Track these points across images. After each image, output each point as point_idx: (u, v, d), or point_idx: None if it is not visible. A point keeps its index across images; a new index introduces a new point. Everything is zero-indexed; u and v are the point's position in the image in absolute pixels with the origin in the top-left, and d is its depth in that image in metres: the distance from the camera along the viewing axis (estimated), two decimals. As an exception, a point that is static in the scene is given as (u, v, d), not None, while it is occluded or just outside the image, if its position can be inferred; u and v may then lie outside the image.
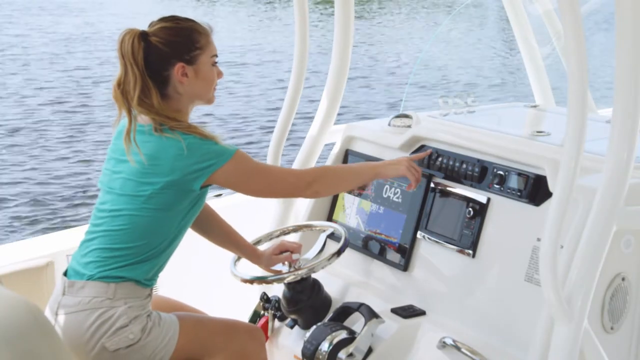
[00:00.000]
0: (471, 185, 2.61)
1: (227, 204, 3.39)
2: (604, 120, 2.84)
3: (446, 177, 2.70)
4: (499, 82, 13.87)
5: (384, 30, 20.42)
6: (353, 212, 3.00)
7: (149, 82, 2.31)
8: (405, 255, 2.76)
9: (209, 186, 2.36)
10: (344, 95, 3.31)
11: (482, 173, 2.58)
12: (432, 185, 2.73)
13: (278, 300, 2.83)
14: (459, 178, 2.65)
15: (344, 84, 3.25)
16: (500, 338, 2.41)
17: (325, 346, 2.46)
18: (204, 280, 3.23)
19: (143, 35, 2.33)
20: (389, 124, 2.99)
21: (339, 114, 3.33)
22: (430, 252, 2.70)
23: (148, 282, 2.35)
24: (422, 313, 2.61)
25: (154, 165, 2.27)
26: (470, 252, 2.56)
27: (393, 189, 2.86)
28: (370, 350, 2.51)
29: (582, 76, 1.94)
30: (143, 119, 2.32)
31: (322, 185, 2.49)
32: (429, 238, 2.70)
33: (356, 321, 2.61)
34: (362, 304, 2.58)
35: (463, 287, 2.57)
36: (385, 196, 2.89)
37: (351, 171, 2.65)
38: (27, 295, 1.68)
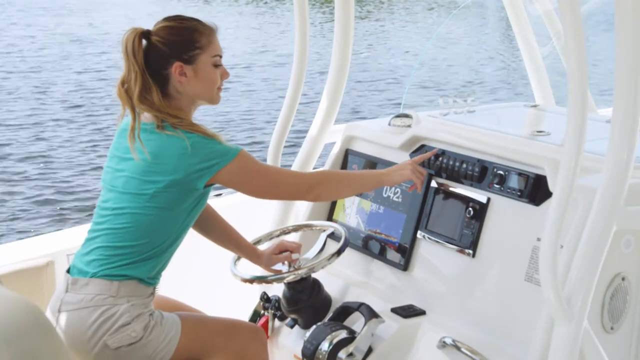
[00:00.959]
0: (471, 185, 2.61)
1: (227, 204, 3.39)
2: (604, 120, 2.84)
3: (446, 177, 2.70)
4: (500, 82, 13.88)
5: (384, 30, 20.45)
6: (353, 211, 3.00)
7: (149, 79, 2.32)
8: (405, 255, 2.76)
9: (212, 185, 2.36)
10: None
11: (482, 173, 2.58)
12: (432, 185, 2.73)
13: (278, 300, 2.83)
14: (459, 178, 2.65)
15: (344, 84, 3.25)
16: (500, 338, 2.41)
17: (325, 346, 2.46)
18: (204, 279, 3.23)
19: (145, 34, 2.34)
20: (389, 124, 2.99)
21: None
22: (430, 251, 2.70)
23: (151, 280, 2.35)
24: (422, 313, 2.61)
25: (157, 164, 2.27)
26: (470, 252, 2.56)
27: (393, 188, 2.86)
28: (370, 350, 2.51)
29: (582, 76, 1.94)
30: (146, 117, 2.33)
31: (324, 190, 2.49)
32: (429, 238, 2.70)
33: (356, 321, 2.61)
34: (362, 304, 2.58)
35: (463, 287, 2.57)
36: (385, 196, 2.89)
37: (355, 178, 2.64)
38: (27, 295, 1.68)
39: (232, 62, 14.58)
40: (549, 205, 2.07)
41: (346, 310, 2.65)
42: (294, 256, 2.78)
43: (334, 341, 2.47)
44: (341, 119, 3.53)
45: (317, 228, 2.93)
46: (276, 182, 2.42)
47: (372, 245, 2.89)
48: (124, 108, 2.34)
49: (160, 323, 2.33)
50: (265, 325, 2.87)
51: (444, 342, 2.41)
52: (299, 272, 2.62)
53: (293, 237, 3.03)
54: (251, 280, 2.63)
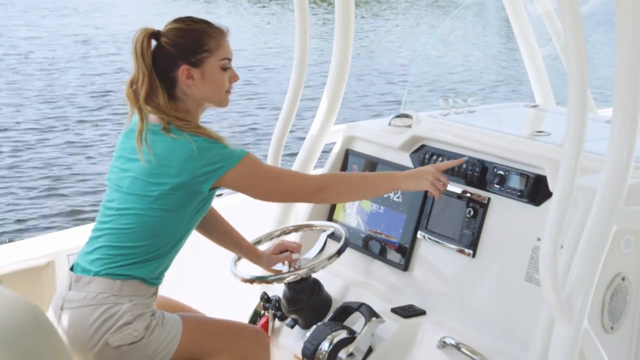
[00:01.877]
0: (471, 185, 2.61)
1: (227, 204, 3.39)
2: (604, 120, 2.84)
3: (446, 177, 2.69)
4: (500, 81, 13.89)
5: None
6: (353, 211, 3.00)
7: (156, 81, 2.32)
8: (405, 255, 2.76)
9: (218, 188, 2.35)
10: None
11: (482, 173, 2.58)
12: (432, 185, 2.73)
13: (278, 300, 2.83)
14: (459, 178, 2.65)
15: (344, 84, 3.25)
16: (500, 338, 2.41)
17: (325, 346, 2.46)
18: (204, 279, 3.23)
19: (154, 35, 2.34)
20: (389, 124, 2.98)
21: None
22: (430, 252, 2.70)
23: (154, 280, 2.36)
24: (422, 313, 2.61)
25: (163, 166, 2.27)
26: (471, 252, 2.56)
27: (393, 188, 2.86)
28: (370, 350, 2.51)
29: (582, 76, 1.94)
30: (153, 118, 2.33)
31: (331, 192, 2.45)
32: (429, 238, 2.70)
33: (356, 321, 2.61)
34: (362, 304, 2.58)
35: (463, 287, 2.57)
36: (385, 196, 2.88)
37: (366, 181, 2.56)
38: (27, 295, 1.68)
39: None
40: (549, 205, 2.07)
41: (346, 310, 2.65)
42: (294, 256, 2.78)
43: (334, 341, 2.47)
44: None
45: (318, 228, 2.93)
46: (282, 184, 2.40)
47: (372, 246, 2.89)
48: (132, 109, 2.34)
49: (161, 323, 2.33)
50: (265, 326, 2.87)
51: (444, 342, 2.41)
52: (299, 272, 2.62)
53: (293, 237, 3.03)
54: (251, 281, 2.63)
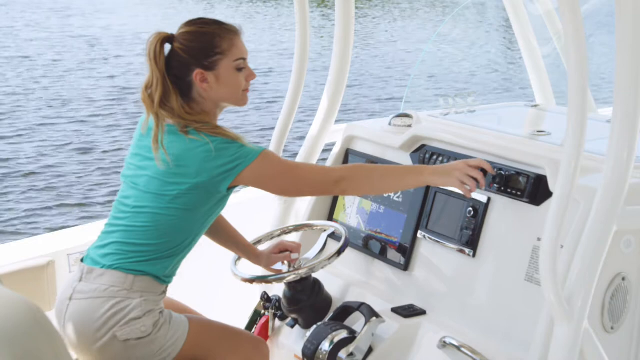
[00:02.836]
0: (471, 185, 2.61)
1: (227, 204, 3.38)
2: (604, 120, 2.84)
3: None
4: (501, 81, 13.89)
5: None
6: (353, 211, 3.00)
7: (170, 86, 2.32)
8: (405, 255, 2.76)
9: (235, 187, 2.35)
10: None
11: (482, 173, 2.57)
12: (432, 185, 2.73)
13: (278, 300, 2.84)
14: (459, 178, 2.64)
15: (344, 84, 3.25)
16: (500, 338, 2.41)
17: (325, 346, 2.46)
18: (204, 279, 3.23)
19: (168, 40, 2.34)
20: (390, 124, 2.98)
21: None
22: (430, 251, 2.70)
23: (166, 278, 2.37)
24: (422, 313, 2.61)
25: (181, 167, 2.27)
26: (471, 251, 2.56)
27: (393, 188, 2.86)
28: (370, 350, 2.51)
29: (582, 76, 1.94)
30: (169, 120, 2.33)
31: (351, 183, 2.39)
32: (429, 238, 2.70)
33: (356, 321, 2.61)
34: (362, 304, 2.59)
35: (463, 287, 2.57)
36: (385, 196, 2.88)
37: (389, 173, 2.45)
38: (27, 295, 1.68)
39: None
40: (549, 205, 2.07)
41: (347, 310, 2.65)
42: (294, 256, 2.78)
43: (335, 341, 2.47)
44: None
45: (318, 228, 2.93)
46: (300, 179, 2.38)
47: (372, 245, 2.89)
48: (148, 113, 2.34)
49: (169, 322, 2.34)
50: (265, 325, 2.87)
51: (444, 342, 2.41)
52: (300, 272, 2.62)
53: (293, 237, 3.03)
54: (251, 280, 2.63)
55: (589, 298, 2.08)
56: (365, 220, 2.95)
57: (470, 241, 2.56)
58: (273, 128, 3.29)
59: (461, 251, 2.59)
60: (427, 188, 2.73)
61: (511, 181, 2.48)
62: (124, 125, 10.89)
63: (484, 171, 2.39)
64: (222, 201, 2.37)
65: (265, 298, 2.88)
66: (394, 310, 2.62)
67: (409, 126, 2.91)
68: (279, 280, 2.64)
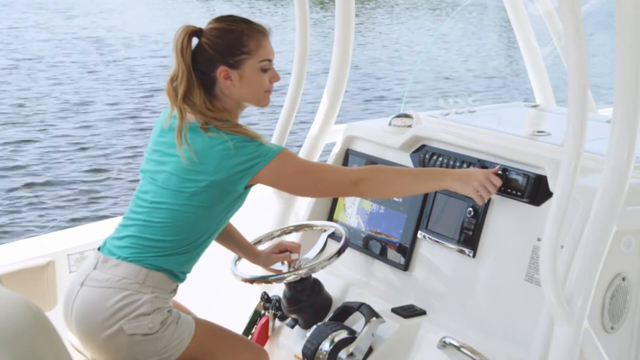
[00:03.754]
0: (471, 185, 2.61)
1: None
2: (604, 120, 2.84)
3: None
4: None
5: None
6: (353, 211, 3.00)
7: (195, 80, 2.32)
8: (405, 255, 2.76)
9: (252, 186, 2.35)
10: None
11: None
12: (432, 185, 2.72)
13: (278, 300, 2.83)
14: (459, 178, 2.64)
15: (344, 84, 3.25)
16: (500, 338, 2.41)
17: (325, 346, 2.46)
18: (204, 279, 3.23)
19: (195, 33, 2.34)
20: (390, 124, 2.98)
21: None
22: (430, 251, 2.70)
23: (179, 274, 2.38)
24: (422, 313, 2.61)
25: (199, 164, 2.27)
26: (471, 252, 2.56)
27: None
28: (370, 350, 2.51)
29: (582, 76, 1.94)
30: (191, 117, 2.33)
31: (370, 185, 2.38)
32: (429, 238, 2.70)
33: (357, 321, 2.61)
34: (362, 304, 2.58)
35: (463, 287, 2.57)
36: (385, 196, 2.88)
37: (409, 175, 2.46)
38: (27, 295, 1.68)
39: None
40: (550, 205, 2.07)
41: (347, 310, 2.65)
42: (294, 256, 2.78)
43: (335, 341, 2.47)
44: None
45: (318, 228, 2.93)
46: (319, 179, 2.37)
47: (372, 245, 2.89)
48: (172, 107, 2.34)
49: (176, 322, 2.35)
50: (265, 325, 2.87)
51: (444, 342, 2.41)
52: (300, 272, 2.62)
53: (294, 237, 3.03)
54: (251, 280, 2.63)
55: (589, 298, 2.08)
56: (365, 220, 2.95)
57: (470, 241, 2.56)
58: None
59: (461, 251, 2.59)
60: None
61: (511, 181, 2.48)
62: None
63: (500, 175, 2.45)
64: (238, 200, 2.37)
65: (265, 298, 2.88)
66: (394, 310, 2.62)
67: (409, 126, 2.91)
68: (279, 280, 2.64)
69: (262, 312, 2.90)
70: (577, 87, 1.95)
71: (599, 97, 3.93)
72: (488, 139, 2.67)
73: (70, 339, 2.48)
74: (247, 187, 2.33)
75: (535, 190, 2.42)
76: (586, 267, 2.07)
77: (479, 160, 2.60)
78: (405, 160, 2.84)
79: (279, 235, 2.97)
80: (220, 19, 2.39)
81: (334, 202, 3.09)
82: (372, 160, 2.97)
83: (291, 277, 2.62)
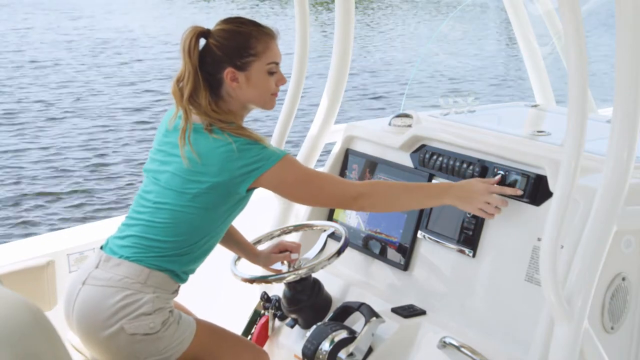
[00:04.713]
0: (471, 185, 2.61)
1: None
2: (604, 120, 2.84)
3: (447, 177, 2.69)
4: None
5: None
6: (353, 211, 3.00)
7: (201, 81, 2.32)
8: (405, 255, 2.76)
9: (255, 189, 2.35)
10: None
11: (482, 173, 2.58)
12: (432, 185, 2.73)
13: (278, 300, 2.83)
14: (459, 178, 2.64)
15: (344, 84, 3.25)
16: (500, 338, 2.41)
17: (325, 346, 2.46)
18: (204, 279, 3.22)
19: (203, 34, 2.35)
20: (390, 124, 2.98)
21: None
22: (430, 251, 2.70)
23: (182, 275, 2.38)
24: (422, 313, 2.61)
25: (202, 165, 2.27)
26: (471, 251, 2.56)
27: (393, 188, 2.86)
28: (370, 350, 2.51)
29: (582, 76, 1.94)
30: (196, 118, 2.33)
31: (370, 200, 2.37)
32: (429, 238, 2.70)
33: (356, 321, 2.61)
34: (362, 304, 2.58)
35: (463, 287, 2.57)
36: (385, 196, 2.88)
37: (410, 192, 2.44)
38: (27, 295, 1.68)
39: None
40: (550, 205, 2.07)
41: (346, 310, 2.65)
42: (293, 256, 2.78)
43: (335, 341, 2.47)
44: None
45: (318, 228, 2.92)
46: (320, 190, 2.37)
47: (372, 245, 2.89)
48: (178, 107, 2.34)
49: (177, 322, 2.35)
50: (265, 325, 2.87)
51: (444, 342, 2.41)
52: (299, 272, 2.62)
53: (293, 237, 3.03)
54: (251, 280, 2.63)
55: (589, 298, 2.08)
56: (365, 220, 2.94)
57: (470, 241, 2.56)
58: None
59: (461, 251, 2.59)
60: (427, 188, 2.73)
61: (511, 181, 2.48)
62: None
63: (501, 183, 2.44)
64: (240, 202, 2.37)
65: (265, 298, 2.88)
66: (394, 310, 2.62)
67: (409, 126, 2.91)
68: (279, 280, 2.64)
69: (262, 312, 2.90)
70: (577, 87, 1.95)
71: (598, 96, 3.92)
72: (488, 139, 2.67)
73: (70, 338, 2.48)
74: (249, 190, 2.33)
75: (535, 190, 2.41)
76: (586, 267, 2.07)
77: (478, 160, 2.60)
78: (405, 160, 2.84)
79: (279, 235, 2.97)
80: (229, 21, 2.39)
81: (334, 202, 3.09)
82: (372, 160, 2.97)
83: (291, 277, 2.62)
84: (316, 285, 2.75)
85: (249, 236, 2.85)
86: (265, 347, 2.82)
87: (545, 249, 2.02)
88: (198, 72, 2.32)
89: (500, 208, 2.41)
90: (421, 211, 2.73)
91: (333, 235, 2.83)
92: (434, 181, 2.72)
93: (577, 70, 1.94)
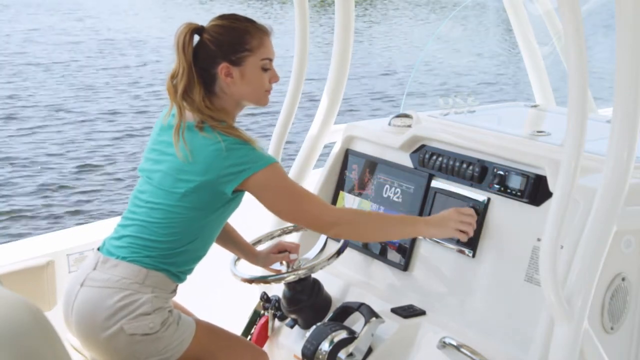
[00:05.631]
0: (471, 185, 2.61)
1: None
2: (604, 120, 2.84)
3: (446, 177, 2.69)
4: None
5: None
6: (353, 212, 2.99)
7: (195, 77, 2.32)
8: (405, 255, 2.75)
9: (243, 192, 2.34)
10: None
11: (482, 173, 2.58)
12: (432, 185, 2.73)
13: (278, 300, 2.83)
14: (459, 178, 2.64)
15: (344, 84, 3.25)
16: (500, 338, 2.41)
17: (325, 346, 2.46)
18: (203, 279, 3.22)
19: (197, 31, 2.35)
20: (389, 124, 2.98)
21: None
22: (430, 252, 2.70)
23: (179, 274, 2.37)
24: (422, 313, 2.61)
25: (191, 164, 2.27)
26: (471, 252, 2.55)
27: (393, 188, 2.86)
28: (370, 350, 2.51)
29: (582, 76, 1.94)
30: (189, 116, 2.33)
31: (346, 229, 2.38)
32: (429, 238, 2.70)
33: (356, 321, 2.61)
34: (362, 304, 2.58)
35: (463, 287, 2.57)
36: (385, 196, 2.88)
37: (385, 223, 2.49)
38: (27, 295, 1.68)
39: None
40: (549, 205, 2.07)
41: (346, 311, 2.65)
42: (292, 256, 2.78)
43: (334, 341, 2.47)
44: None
45: None
46: (299, 206, 2.35)
47: (372, 246, 2.89)
48: (172, 103, 2.35)
49: (176, 322, 2.35)
50: (265, 326, 2.87)
51: (444, 342, 2.41)
52: (299, 272, 2.62)
53: (294, 237, 3.03)
54: (251, 280, 2.63)
55: (589, 298, 2.08)
56: (365, 220, 2.94)
57: (470, 241, 2.55)
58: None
59: (461, 251, 2.59)
60: (427, 187, 2.73)
61: (511, 181, 2.48)
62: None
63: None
64: (230, 204, 2.36)
65: (265, 298, 2.88)
66: (394, 310, 2.61)
67: (409, 126, 2.91)
68: (279, 280, 2.64)
69: (262, 312, 2.90)
70: (577, 87, 1.95)
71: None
72: (488, 139, 2.67)
73: (70, 339, 2.48)
74: (237, 192, 2.32)
75: (535, 190, 2.41)
76: (586, 267, 2.07)
77: (478, 160, 2.60)
78: (405, 160, 2.84)
79: (279, 235, 2.97)
80: (224, 17, 2.40)
81: (334, 202, 3.09)
82: (371, 161, 2.97)
83: (290, 277, 2.62)
84: (316, 285, 2.75)
85: (249, 236, 2.85)
86: (265, 348, 2.82)
87: (545, 249, 2.02)
88: (192, 68, 2.32)
89: (473, 227, 2.49)
90: (421, 211, 2.73)
91: (333, 236, 2.83)
92: (434, 181, 2.72)
93: (577, 70, 1.94)
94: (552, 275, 2.02)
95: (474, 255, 2.55)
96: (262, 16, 21.87)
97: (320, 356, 2.46)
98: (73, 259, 3.07)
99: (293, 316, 2.79)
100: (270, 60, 2.41)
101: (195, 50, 2.34)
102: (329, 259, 2.61)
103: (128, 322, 2.26)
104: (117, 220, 2.48)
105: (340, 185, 3.09)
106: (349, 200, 3.02)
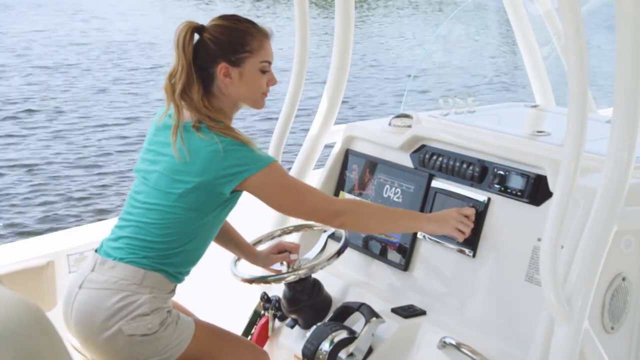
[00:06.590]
0: (471, 185, 2.61)
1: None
2: (604, 120, 2.85)
3: (446, 177, 2.69)
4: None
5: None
6: (353, 212, 2.99)
7: (194, 76, 2.32)
8: (405, 255, 2.76)
9: (241, 192, 2.34)
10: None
11: (482, 173, 2.58)
12: (432, 185, 2.73)
13: (278, 300, 2.83)
14: (459, 178, 2.65)
15: (344, 84, 3.25)
16: (500, 338, 2.41)
17: (325, 346, 2.46)
18: (204, 279, 3.22)
19: (198, 30, 2.35)
20: (390, 124, 2.98)
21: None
22: (430, 252, 2.70)
23: (177, 275, 2.37)
24: (422, 313, 2.61)
25: (188, 164, 2.27)
26: (471, 252, 2.55)
27: (393, 188, 2.86)
28: (370, 350, 2.51)
29: (582, 76, 1.94)
30: (186, 115, 2.33)
31: (350, 218, 2.40)
32: (429, 238, 2.70)
33: (356, 321, 2.61)
34: (362, 304, 2.58)
35: (463, 287, 2.57)
36: (385, 196, 2.88)
37: (389, 214, 2.51)
38: (27, 295, 1.68)
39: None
40: (550, 205, 2.07)
41: (346, 311, 2.65)
42: (292, 256, 2.78)
43: (335, 341, 2.47)
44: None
45: (318, 228, 2.92)
46: (302, 201, 2.36)
47: (372, 246, 2.89)
48: (169, 102, 2.34)
49: (175, 322, 2.35)
50: (265, 326, 2.87)
51: (444, 342, 2.41)
52: (299, 272, 2.62)
53: (294, 237, 3.03)
54: (251, 281, 2.63)
55: (589, 298, 2.08)
56: (365, 220, 2.94)
57: (470, 241, 2.56)
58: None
59: (461, 251, 2.59)
60: (427, 187, 2.73)
61: (511, 181, 2.48)
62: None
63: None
64: (227, 204, 2.36)
65: (265, 298, 2.88)
66: (394, 310, 2.62)
67: (409, 126, 2.91)
68: (278, 280, 2.64)
69: (262, 312, 2.90)
70: (577, 87, 1.95)
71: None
72: (488, 139, 2.67)
73: (71, 339, 2.48)
74: (235, 193, 2.32)
75: (535, 190, 2.42)
76: (586, 267, 2.07)
77: (478, 160, 2.60)
78: (405, 160, 2.84)
79: (279, 236, 2.97)
80: (225, 17, 2.40)
81: (334, 202, 3.08)
82: (372, 161, 2.97)
83: (290, 278, 2.62)
84: (316, 285, 2.75)
85: (249, 236, 2.85)
86: (265, 348, 2.82)
87: (545, 249, 2.02)
88: (191, 67, 2.32)
89: (470, 228, 2.51)
90: (421, 211, 2.73)
91: (333, 236, 2.83)
92: (434, 181, 2.72)
93: (577, 70, 1.94)
94: (552, 275, 2.02)
95: (474, 255, 2.55)
96: (270, 17, 21.85)
97: (321, 356, 2.46)
98: (73, 259, 3.07)
99: (293, 316, 2.79)
100: (270, 63, 2.41)
101: (195, 49, 2.34)
102: (329, 259, 2.61)
103: (127, 322, 2.25)
104: (115, 221, 2.48)
105: (340, 185, 3.09)
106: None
